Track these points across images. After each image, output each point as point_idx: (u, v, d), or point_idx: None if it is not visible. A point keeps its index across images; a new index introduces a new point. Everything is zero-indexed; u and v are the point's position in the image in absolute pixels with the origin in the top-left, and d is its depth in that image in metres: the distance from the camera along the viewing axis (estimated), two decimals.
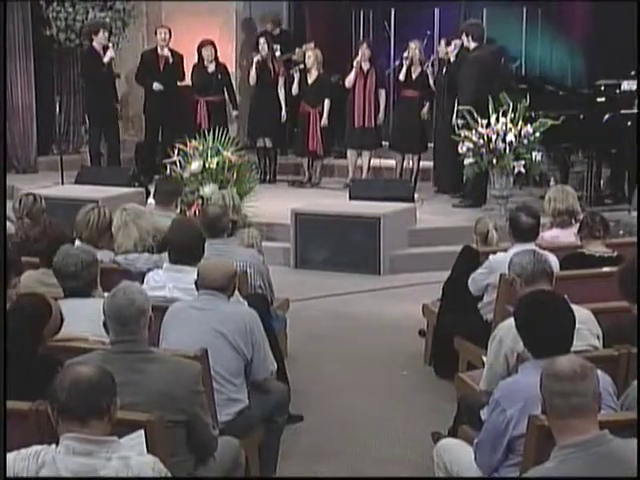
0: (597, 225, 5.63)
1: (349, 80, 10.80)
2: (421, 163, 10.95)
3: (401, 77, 10.73)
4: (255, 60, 11.21)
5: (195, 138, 9.00)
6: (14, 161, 11.76)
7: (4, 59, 10.91)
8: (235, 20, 12.65)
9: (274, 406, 4.54)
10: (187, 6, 12.11)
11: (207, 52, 11.11)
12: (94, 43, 10.84)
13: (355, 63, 10.75)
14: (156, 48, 11.27)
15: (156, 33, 11.26)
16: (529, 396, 3.25)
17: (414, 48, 10.63)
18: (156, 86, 11.05)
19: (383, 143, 11.10)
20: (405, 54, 10.75)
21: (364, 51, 10.75)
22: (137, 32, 12.36)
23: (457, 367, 5.55)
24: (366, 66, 10.78)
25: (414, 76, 10.68)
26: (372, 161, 11.13)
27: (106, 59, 10.78)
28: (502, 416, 3.40)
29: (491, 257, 5.47)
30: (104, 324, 3.63)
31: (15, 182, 10.50)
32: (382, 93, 10.91)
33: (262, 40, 11.36)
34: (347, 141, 11.15)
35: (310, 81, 11.04)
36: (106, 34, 10.91)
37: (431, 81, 10.63)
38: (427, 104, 10.75)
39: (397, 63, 11.02)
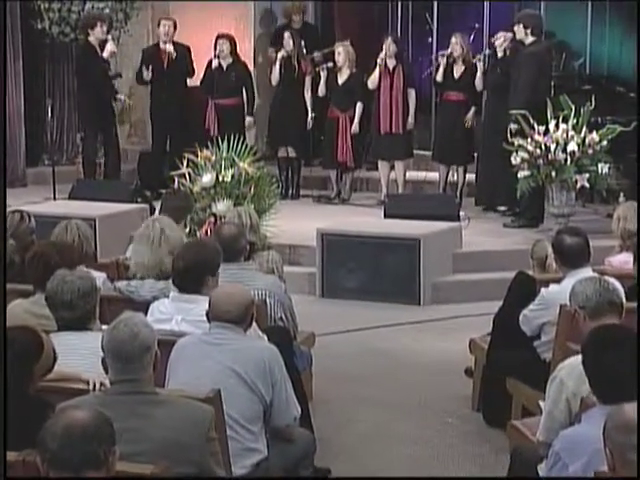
0: None
1: (372, 80, 10.78)
2: (467, 175, 10.93)
3: (438, 78, 10.71)
4: (279, 56, 11.25)
5: (207, 147, 9.05)
6: None
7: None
8: (254, 12, 12.76)
9: (297, 457, 4.53)
10: None
11: (219, 47, 11.16)
12: (90, 38, 10.92)
13: (379, 60, 10.70)
14: (158, 43, 11.36)
15: (159, 25, 11.34)
16: (595, 449, 3.22)
17: (455, 43, 10.61)
18: (147, 74, 11.11)
19: (422, 152, 11.10)
20: (444, 51, 10.74)
21: (389, 46, 10.72)
22: (141, 26, 12.47)
23: (510, 413, 5.53)
24: (392, 63, 10.76)
25: (457, 76, 10.66)
26: (409, 173, 11.13)
27: (106, 54, 10.83)
28: (564, 472, 3.38)
29: (543, 290, 5.45)
30: (103, 361, 3.65)
31: None
32: (412, 94, 10.87)
33: (287, 34, 11.38)
34: (374, 150, 11.17)
35: (340, 81, 11.06)
36: (104, 28, 10.95)
37: (477, 81, 10.56)
38: (473, 108, 10.71)
39: (437, 62, 10.97)
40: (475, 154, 10.82)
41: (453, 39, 10.65)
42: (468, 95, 10.68)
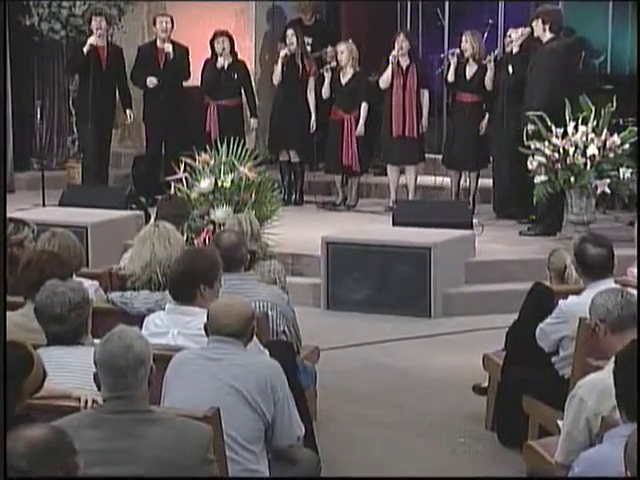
0: None
1: (384, 79, 10.78)
2: (481, 180, 10.92)
3: (449, 78, 10.70)
4: (282, 55, 11.26)
5: (205, 150, 9.06)
6: None
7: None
8: (254, 8, 12.77)
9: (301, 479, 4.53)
10: None
11: (219, 45, 11.19)
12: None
13: (391, 58, 10.69)
14: (155, 41, 11.40)
15: (155, 23, 11.38)
16: (617, 471, 3.22)
17: (466, 42, 10.59)
18: (150, 81, 11.12)
19: (433, 156, 11.08)
20: (454, 49, 10.72)
21: (401, 43, 10.72)
22: (136, 22, 12.50)
23: (526, 433, 5.52)
24: (405, 62, 10.77)
25: (469, 76, 10.65)
26: (420, 178, 11.13)
27: (85, 47, 10.86)
28: None
29: (562, 303, 5.44)
30: (95, 377, 3.64)
31: None
32: (425, 94, 10.88)
33: (290, 32, 11.39)
34: (384, 155, 11.17)
35: (344, 81, 11.08)
36: (98, 19, 10.98)
37: (487, 81, 10.49)
38: (487, 115, 10.59)
39: (447, 61, 10.94)
40: (490, 158, 10.81)
41: (464, 38, 10.64)
42: (482, 96, 10.66)
